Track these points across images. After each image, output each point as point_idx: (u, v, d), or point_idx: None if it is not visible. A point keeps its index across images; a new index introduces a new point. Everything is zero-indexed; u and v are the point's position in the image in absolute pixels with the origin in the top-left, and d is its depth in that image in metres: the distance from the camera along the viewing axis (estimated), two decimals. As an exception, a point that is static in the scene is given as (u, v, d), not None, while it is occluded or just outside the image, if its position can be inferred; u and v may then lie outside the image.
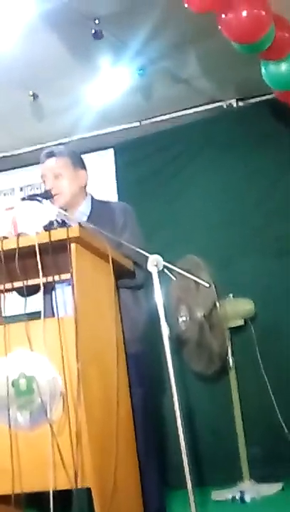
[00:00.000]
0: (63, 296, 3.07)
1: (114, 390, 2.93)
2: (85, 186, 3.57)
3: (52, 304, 2.94)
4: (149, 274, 3.10)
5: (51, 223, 3.36)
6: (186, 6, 3.61)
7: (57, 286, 2.93)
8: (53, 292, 2.96)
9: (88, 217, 3.44)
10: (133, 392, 3.18)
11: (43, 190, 3.49)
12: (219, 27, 3.76)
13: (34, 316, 2.86)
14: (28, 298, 2.97)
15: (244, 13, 3.68)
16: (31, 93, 5.01)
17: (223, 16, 3.71)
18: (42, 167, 3.51)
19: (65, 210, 3.37)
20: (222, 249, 5.35)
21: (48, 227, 3.00)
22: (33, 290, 2.99)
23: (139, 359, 3.35)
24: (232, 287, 5.05)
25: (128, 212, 3.55)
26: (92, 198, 3.58)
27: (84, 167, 3.57)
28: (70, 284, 2.86)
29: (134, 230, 3.44)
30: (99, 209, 3.50)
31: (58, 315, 2.85)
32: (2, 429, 2.79)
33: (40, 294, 2.89)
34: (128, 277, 3.29)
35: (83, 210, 3.49)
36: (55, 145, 4.97)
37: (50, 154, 3.50)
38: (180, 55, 4.74)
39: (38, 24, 4.11)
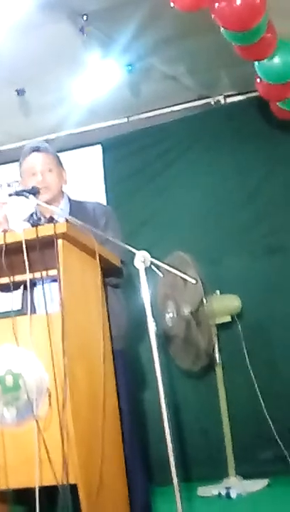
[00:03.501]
0: (50, 292, 3.06)
1: (100, 386, 2.93)
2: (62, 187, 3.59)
3: (33, 300, 2.93)
4: (135, 271, 3.10)
5: (31, 216, 3.38)
6: (172, 5, 3.60)
7: (40, 282, 2.92)
8: (34, 288, 2.95)
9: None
10: (119, 388, 3.18)
11: (22, 185, 3.49)
12: (213, 16, 3.74)
13: (10, 313, 2.85)
14: (8, 294, 2.95)
15: (238, 1, 3.67)
16: (18, 89, 5.00)
17: (217, 4, 3.70)
18: (28, 160, 3.50)
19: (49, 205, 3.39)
20: (210, 246, 5.36)
21: (33, 222, 3.00)
22: (14, 286, 2.98)
23: (125, 356, 3.36)
24: (219, 284, 5.06)
25: (109, 213, 3.58)
26: (68, 197, 3.59)
27: (64, 168, 3.60)
28: (54, 280, 2.86)
29: (116, 231, 3.45)
30: (77, 208, 3.52)
31: (46, 311, 2.84)
32: (-12, 426, 2.79)
33: (19, 291, 2.88)
34: (114, 274, 3.30)
35: (63, 208, 3.51)
36: (43, 141, 4.97)
37: (37, 149, 3.50)
38: (168, 51, 4.74)
39: (26, 20, 4.09)
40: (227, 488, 4.66)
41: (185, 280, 4.05)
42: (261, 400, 4.98)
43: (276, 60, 4.26)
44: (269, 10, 3.80)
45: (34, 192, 3.29)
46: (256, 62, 4.31)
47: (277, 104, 4.82)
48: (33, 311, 2.93)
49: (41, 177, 3.44)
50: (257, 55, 4.17)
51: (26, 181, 3.47)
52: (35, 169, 3.47)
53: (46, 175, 3.46)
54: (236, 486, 4.72)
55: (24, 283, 2.87)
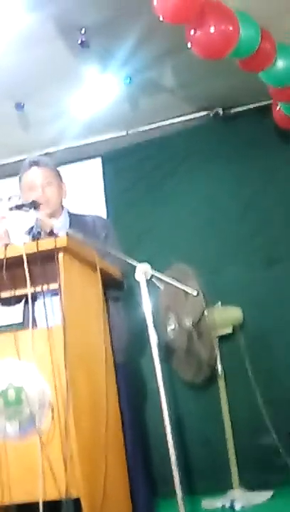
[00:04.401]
0: (51, 306, 3.07)
1: (102, 400, 2.93)
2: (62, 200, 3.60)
3: (34, 314, 2.94)
4: (135, 283, 3.10)
5: (31, 229, 3.39)
6: (161, 18, 3.64)
7: (40, 296, 2.93)
8: (35, 302, 2.96)
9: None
10: (121, 401, 3.18)
11: (22, 201, 3.50)
12: (189, 44, 3.83)
13: (12, 327, 2.87)
14: (9, 308, 2.97)
15: (212, 30, 3.74)
16: (17, 103, 5.02)
17: (192, 31, 3.77)
18: (27, 175, 3.51)
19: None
20: (210, 257, 5.36)
21: (34, 236, 3.01)
22: (15, 300, 2.99)
23: (126, 368, 3.36)
24: (220, 295, 5.05)
25: (108, 226, 3.59)
26: (68, 211, 3.60)
27: (63, 181, 3.61)
28: (55, 294, 2.86)
29: (115, 244, 3.46)
30: (77, 221, 3.52)
31: (48, 324, 2.84)
32: (-9, 440, 2.79)
33: (20, 304, 2.89)
34: (115, 287, 3.30)
35: (63, 221, 3.51)
36: (43, 154, 4.99)
37: (36, 163, 3.52)
38: (166, 64, 4.76)
39: (25, 34, 4.11)
40: (232, 501, 4.64)
41: (186, 292, 4.05)
42: (264, 411, 4.97)
43: (280, 64, 4.28)
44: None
45: (34, 206, 3.30)
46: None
47: (282, 111, 4.84)
48: (35, 324, 2.93)
49: (41, 192, 3.45)
50: (257, 66, 4.20)
51: (26, 196, 3.48)
52: (35, 184, 3.47)
53: (46, 189, 3.47)
54: (240, 497, 4.69)
55: (25, 297, 2.88)
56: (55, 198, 3.49)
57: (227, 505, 4.62)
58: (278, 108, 4.93)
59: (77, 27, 4.17)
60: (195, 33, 3.79)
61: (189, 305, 4.58)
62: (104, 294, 3.18)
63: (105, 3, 4.01)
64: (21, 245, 2.83)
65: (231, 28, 3.81)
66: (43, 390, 2.74)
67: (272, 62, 4.20)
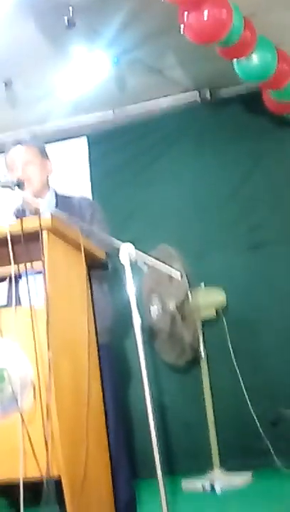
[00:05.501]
0: (35, 285, 3.05)
1: (85, 380, 2.93)
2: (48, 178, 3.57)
3: (18, 293, 2.92)
4: (120, 264, 3.09)
5: (18, 209, 3.36)
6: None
7: (24, 275, 2.91)
8: (20, 281, 2.94)
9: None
10: (104, 382, 3.18)
11: (7, 179, 3.46)
12: (182, 29, 3.80)
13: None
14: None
15: (205, 14, 3.71)
16: (5, 81, 4.98)
17: (185, 13, 3.74)
18: (9, 155, 3.49)
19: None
20: (196, 240, 5.37)
21: (19, 214, 2.99)
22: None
23: (110, 349, 3.36)
24: (204, 278, 5.07)
25: (95, 207, 3.57)
26: (55, 191, 3.57)
27: (49, 158, 3.57)
28: (39, 273, 2.85)
29: (102, 224, 3.44)
30: (64, 202, 3.50)
31: (30, 303, 2.83)
32: (-28, 419, 2.78)
33: (5, 283, 2.88)
34: (100, 268, 3.29)
35: (49, 201, 3.49)
36: (28, 133, 4.95)
37: (18, 142, 3.49)
38: (154, 44, 4.74)
39: (13, 12, 4.07)
40: (212, 482, 4.67)
41: (170, 274, 4.05)
42: (246, 394, 5.00)
43: (254, 58, 4.27)
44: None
45: (19, 185, 3.27)
46: (235, 61, 4.33)
47: (270, 96, 4.84)
48: (19, 303, 2.92)
49: (21, 172, 3.41)
50: (237, 53, 4.20)
51: (9, 176, 3.46)
52: (15, 164, 3.45)
53: (26, 169, 3.43)
54: (220, 479, 4.73)
55: (9, 276, 2.86)
56: (36, 176, 3.46)
57: (207, 486, 4.66)
58: (267, 93, 4.92)
59: (64, 5, 4.13)
60: (188, 15, 3.75)
61: (173, 288, 4.59)
62: (89, 274, 3.16)
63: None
64: (5, 225, 2.80)
65: (224, 15, 3.77)
66: (26, 370, 2.73)
67: (251, 51, 4.20)
